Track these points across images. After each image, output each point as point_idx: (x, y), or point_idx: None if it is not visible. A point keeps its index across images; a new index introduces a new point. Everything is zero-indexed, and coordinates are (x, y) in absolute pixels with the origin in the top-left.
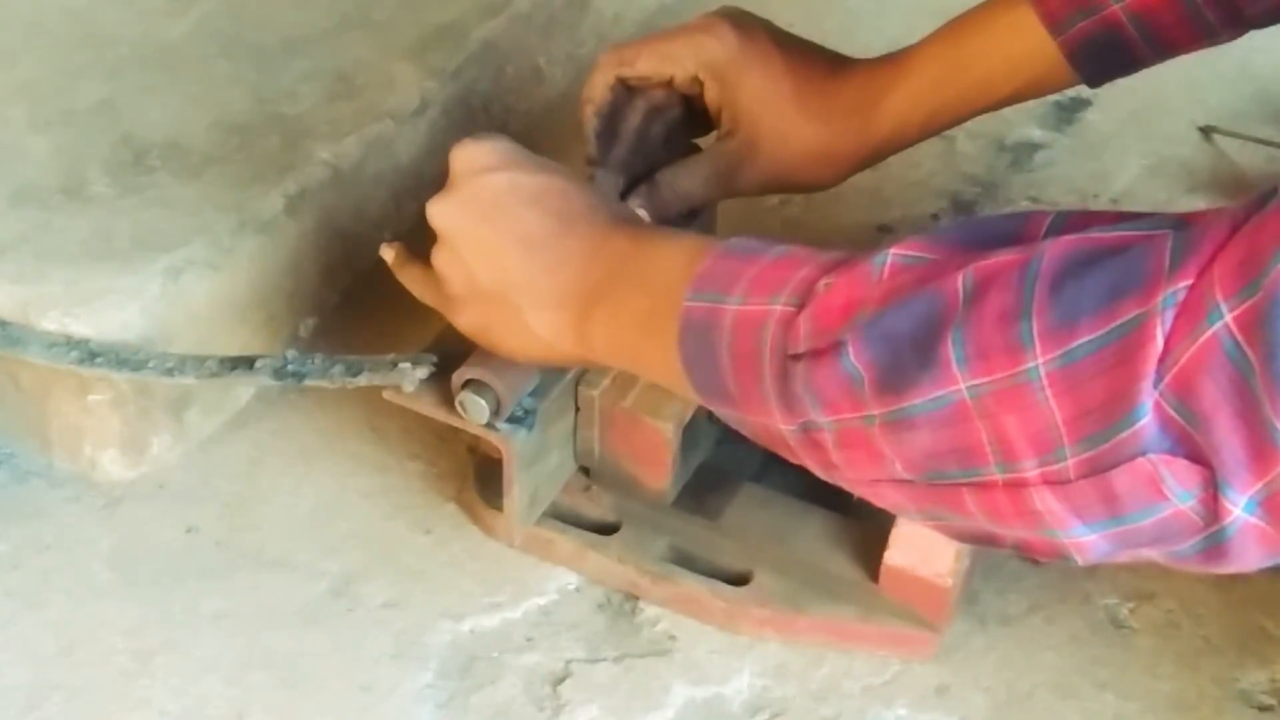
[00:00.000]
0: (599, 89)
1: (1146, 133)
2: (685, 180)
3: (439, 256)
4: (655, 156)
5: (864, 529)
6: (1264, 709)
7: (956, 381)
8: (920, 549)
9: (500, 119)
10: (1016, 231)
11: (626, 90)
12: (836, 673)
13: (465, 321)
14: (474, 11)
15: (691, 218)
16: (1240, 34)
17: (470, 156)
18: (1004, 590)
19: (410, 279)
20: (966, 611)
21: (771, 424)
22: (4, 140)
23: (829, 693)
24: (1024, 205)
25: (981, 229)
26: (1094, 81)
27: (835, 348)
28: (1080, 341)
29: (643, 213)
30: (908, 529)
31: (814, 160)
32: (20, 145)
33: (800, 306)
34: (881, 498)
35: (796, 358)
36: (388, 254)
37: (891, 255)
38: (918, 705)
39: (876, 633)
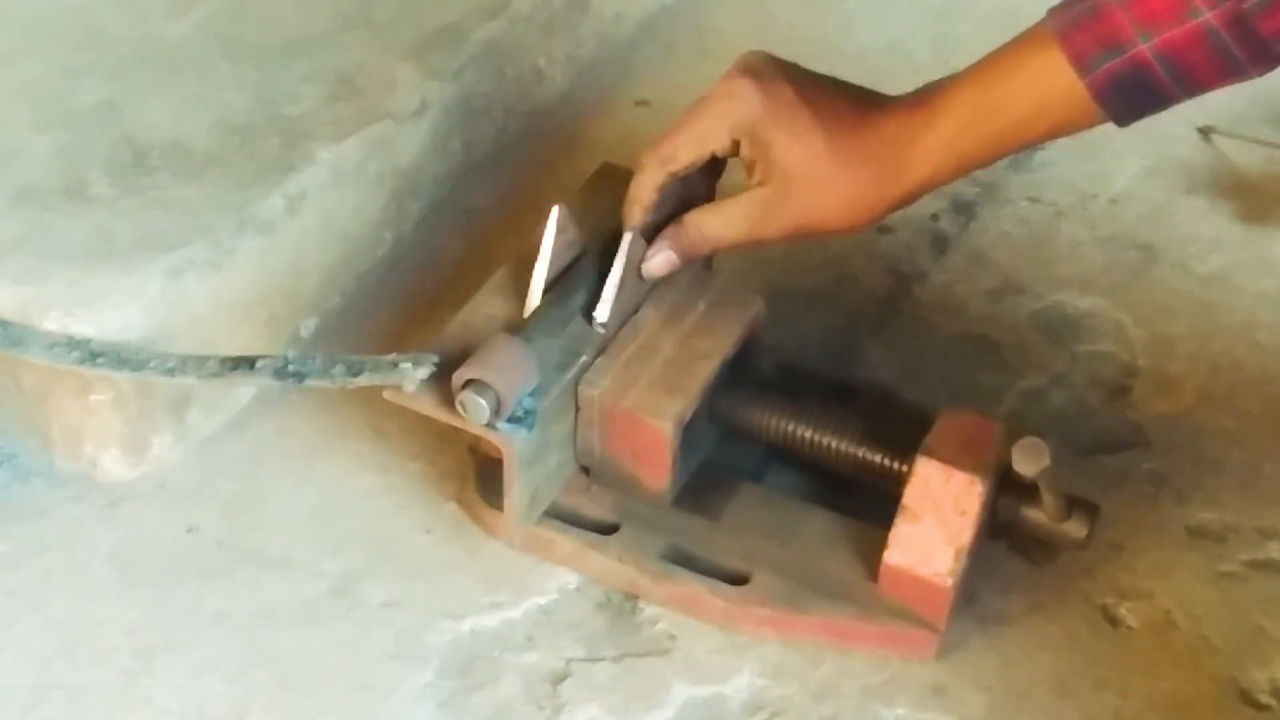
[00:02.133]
0: (647, 192)
1: (1145, 133)
2: (713, 225)
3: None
4: (683, 199)
5: (863, 529)
6: (1262, 708)
7: None
8: (919, 549)
9: (500, 120)
10: None
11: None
12: (836, 672)
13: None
14: (474, 13)
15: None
16: (1269, 70)
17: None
18: (1003, 590)
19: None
20: (965, 611)
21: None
22: (5, 141)
23: (828, 692)
24: (1023, 206)
25: None
26: (1122, 120)
27: None
28: None
29: (670, 255)
30: (907, 529)
31: (846, 208)
32: (21, 146)
33: None
34: None
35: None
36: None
37: None
38: (917, 704)
39: (876, 632)
